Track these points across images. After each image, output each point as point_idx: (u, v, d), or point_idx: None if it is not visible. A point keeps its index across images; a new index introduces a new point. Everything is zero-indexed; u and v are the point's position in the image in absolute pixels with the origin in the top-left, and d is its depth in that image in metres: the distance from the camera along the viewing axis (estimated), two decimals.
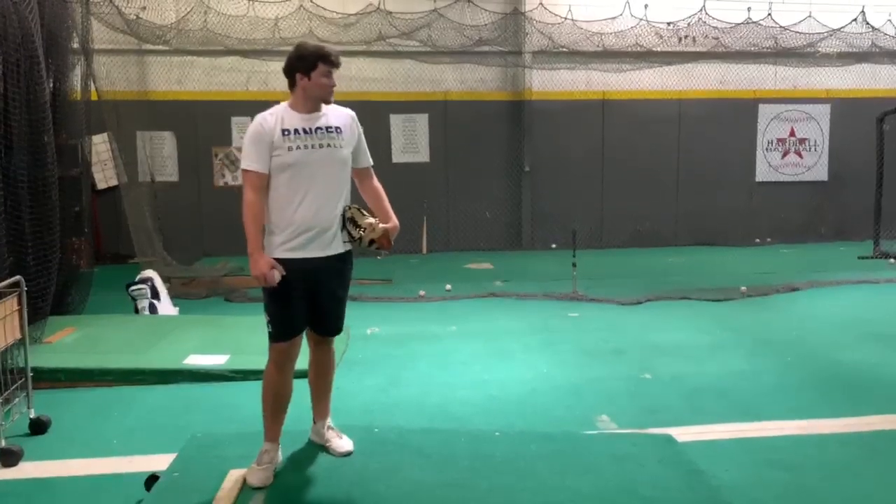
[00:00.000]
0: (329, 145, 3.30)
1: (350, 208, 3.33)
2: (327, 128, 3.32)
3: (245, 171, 3.26)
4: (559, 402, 4.83)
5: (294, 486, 3.28)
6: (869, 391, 4.98)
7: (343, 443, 3.59)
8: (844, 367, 5.52)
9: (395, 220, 3.45)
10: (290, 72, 3.32)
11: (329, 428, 3.64)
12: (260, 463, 3.32)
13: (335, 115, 3.39)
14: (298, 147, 3.24)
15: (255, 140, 3.24)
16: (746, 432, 4.24)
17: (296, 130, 3.26)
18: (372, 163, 3.55)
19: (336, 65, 3.32)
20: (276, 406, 3.40)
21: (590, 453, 3.66)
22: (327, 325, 3.48)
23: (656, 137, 12.07)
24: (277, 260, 3.24)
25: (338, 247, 3.34)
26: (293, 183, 3.23)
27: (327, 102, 3.37)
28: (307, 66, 3.27)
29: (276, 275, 3.19)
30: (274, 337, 3.33)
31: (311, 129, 3.29)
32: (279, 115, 3.29)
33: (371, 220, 3.32)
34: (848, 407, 4.65)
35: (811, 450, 3.99)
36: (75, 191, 7.38)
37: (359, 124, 3.47)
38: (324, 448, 3.60)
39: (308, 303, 3.34)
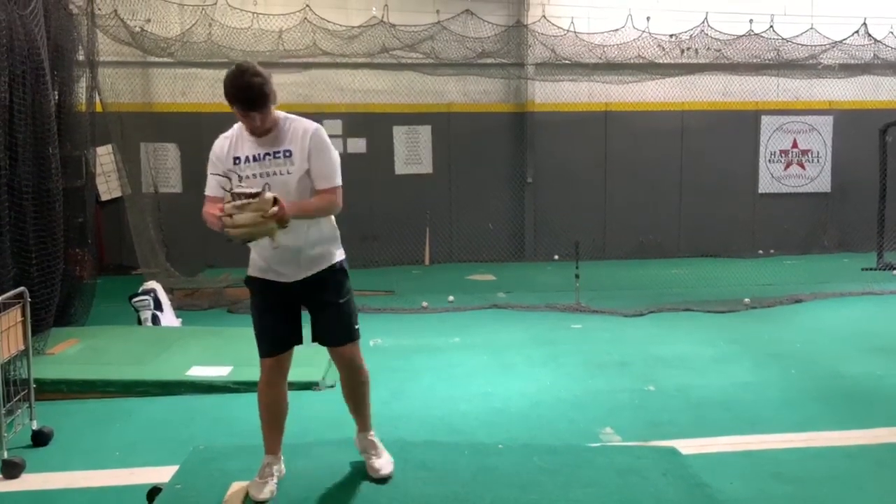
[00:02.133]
0: (276, 173, 3.08)
1: (231, 192, 2.92)
2: (275, 152, 3.09)
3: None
4: (562, 414, 4.81)
5: (297, 499, 3.27)
6: (874, 403, 4.96)
7: (380, 463, 3.43)
8: (849, 379, 5.50)
9: (291, 203, 2.98)
10: None
11: (371, 441, 3.49)
12: (262, 476, 3.31)
13: (291, 133, 3.11)
14: (248, 177, 3.08)
15: (210, 166, 3.21)
16: (751, 445, 4.22)
17: (246, 158, 3.11)
18: (330, 185, 3.13)
19: (247, 109, 2.96)
20: (269, 420, 3.37)
21: (593, 466, 3.64)
22: (321, 333, 3.32)
23: (659, 149, 12.08)
24: (252, 278, 3.27)
25: (313, 268, 3.20)
26: None
27: (256, 135, 3.08)
28: (226, 98, 3.01)
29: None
30: (259, 352, 3.32)
31: (260, 155, 3.10)
32: (234, 139, 3.15)
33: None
34: (853, 419, 4.63)
35: (816, 463, 3.97)
36: (79, 202, 7.41)
37: (319, 140, 3.11)
38: (326, 463, 3.58)
39: (293, 319, 3.28)
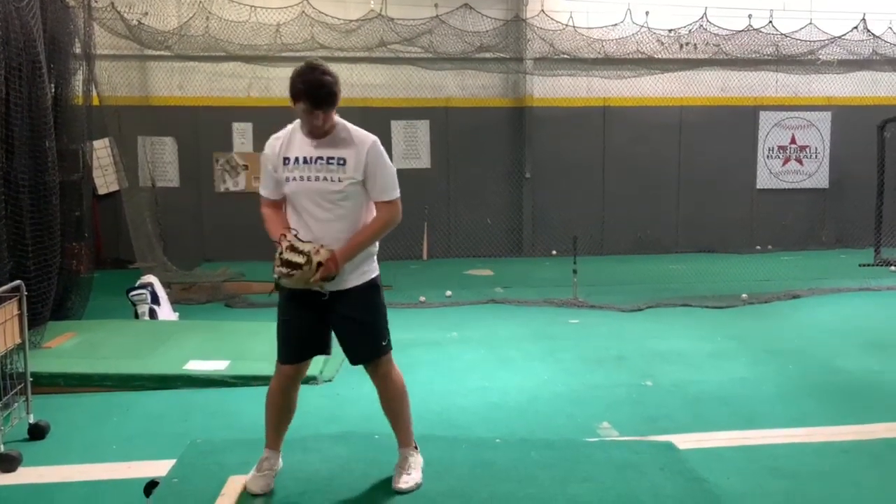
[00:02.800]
0: (325, 178, 3.06)
1: (286, 236, 3.05)
2: (328, 158, 3.06)
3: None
4: (560, 409, 4.81)
5: (294, 493, 3.27)
6: (870, 399, 4.97)
7: (401, 479, 3.32)
8: (845, 374, 5.51)
9: (342, 249, 3.07)
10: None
11: (403, 458, 3.38)
12: (260, 470, 3.30)
13: (346, 142, 3.09)
14: (295, 178, 3.08)
15: (263, 166, 3.22)
16: (747, 440, 4.23)
17: (296, 159, 3.08)
18: (387, 198, 3.15)
19: (314, 106, 2.95)
20: (275, 420, 3.34)
21: (591, 461, 3.64)
22: (346, 351, 3.29)
23: (657, 144, 12.08)
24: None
25: (344, 283, 3.13)
26: (293, 213, 3.16)
27: (313, 136, 3.07)
28: (292, 94, 3.00)
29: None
30: (278, 357, 3.27)
31: (311, 158, 3.07)
32: (286, 139, 3.13)
33: (311, 244, 3.02)
34: (849, 415, 4.64)
35: (812, 458, 3.98)
36: (76, 196, 7.39)
37: (378, 153, 3.10)
38: (324, 456, 3.58)
39: (318, 329, 3.23)
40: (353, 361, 3.33)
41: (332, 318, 3.22)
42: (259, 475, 3.28)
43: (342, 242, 3.10)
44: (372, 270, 3.27)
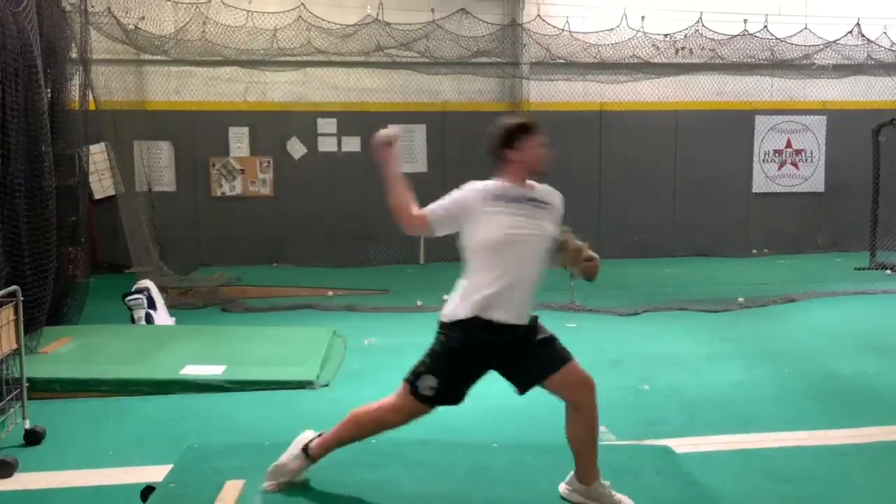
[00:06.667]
0: (538, 218, 3.32)
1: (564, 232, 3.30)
2: (542, 202, 3.33)
3: None
4: (557, 412, 4.79)
5: (292, 497, 3.26)
6: (867, 402, 4.98)
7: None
8: (842, 378, 5.52)
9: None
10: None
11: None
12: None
13: (548, 192, 3.42)
14: (512, 214, 3.26)
15: (462, 199, 3.39)
16: (744, 443, 4.23)
17: (509, 198, 3.25)
18: None
19: (543, 141, 3.32)
20: (348, 442, 3.33)
21: None
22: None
23: (653, 148, 12.09)
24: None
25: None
26: (490, 260, 3.34)
27: (539, 172, 3.37)
28: (519, 136, 3.34)
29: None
30: (429, 397, 3.24)
31: (524, 197, 3.29)
32: (494, 186, 3.33)
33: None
34: (846, 418, 4.65)
35: (809, 461, 3.98)
36: (72, 200, 7.38)
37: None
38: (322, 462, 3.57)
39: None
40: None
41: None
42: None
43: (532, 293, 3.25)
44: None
